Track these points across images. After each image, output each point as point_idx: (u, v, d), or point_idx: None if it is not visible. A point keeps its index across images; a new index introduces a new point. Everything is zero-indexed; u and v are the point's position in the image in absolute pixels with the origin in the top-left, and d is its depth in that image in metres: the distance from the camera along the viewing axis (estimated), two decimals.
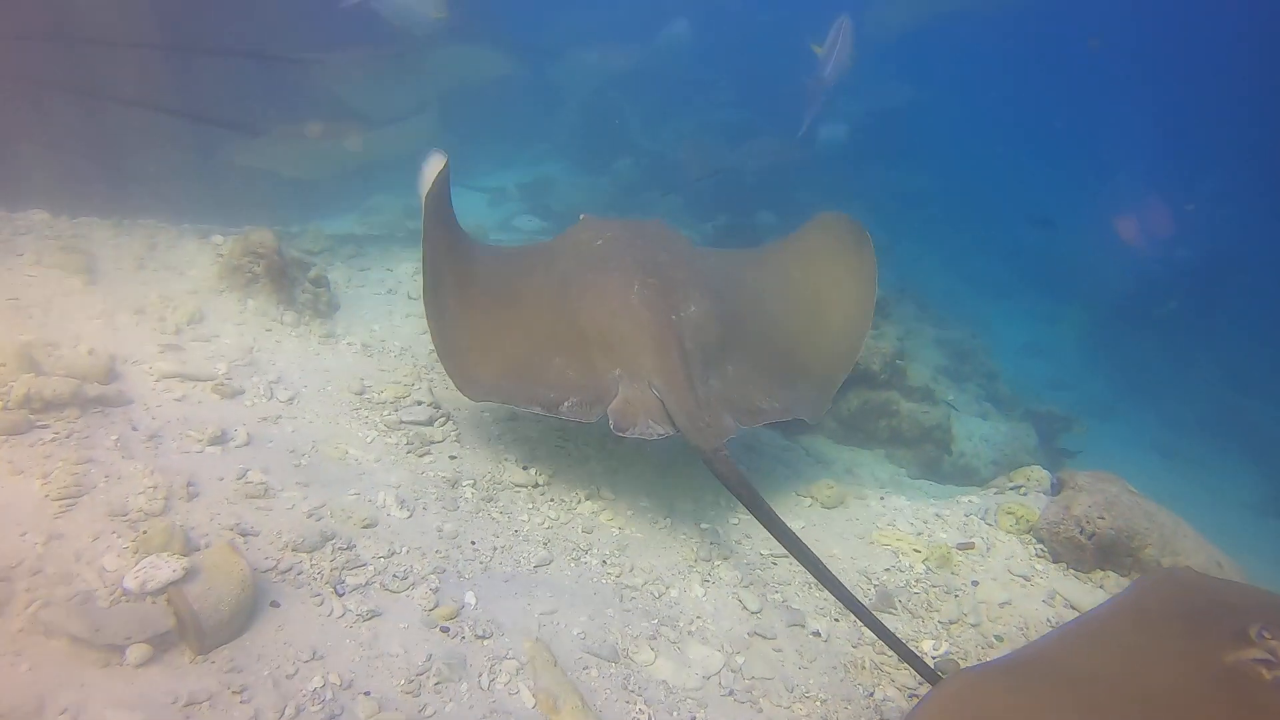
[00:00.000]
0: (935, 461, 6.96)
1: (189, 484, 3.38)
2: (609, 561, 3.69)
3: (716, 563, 3.83)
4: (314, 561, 3.20)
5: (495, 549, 3.60)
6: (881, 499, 4.78)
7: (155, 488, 3.27)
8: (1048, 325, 14.86)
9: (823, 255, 4.76)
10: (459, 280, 4.08)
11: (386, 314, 6.05)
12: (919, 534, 4.37)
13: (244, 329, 4.98)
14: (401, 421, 4.34)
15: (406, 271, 6.90)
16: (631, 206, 13.41)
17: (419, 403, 4.55)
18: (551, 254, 4.46)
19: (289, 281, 5.53)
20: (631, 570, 3.67)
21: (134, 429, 3.67)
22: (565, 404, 3.66)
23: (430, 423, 4.40)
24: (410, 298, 6.40)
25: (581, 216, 4.81)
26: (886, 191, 16.70)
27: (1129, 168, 19.17)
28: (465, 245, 4.33)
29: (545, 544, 3.71)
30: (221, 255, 5.52)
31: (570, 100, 15.26)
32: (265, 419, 4.06)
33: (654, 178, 13.91)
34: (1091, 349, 14.06)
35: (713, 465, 3.42)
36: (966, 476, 7.19)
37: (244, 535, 3.22)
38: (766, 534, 3.28)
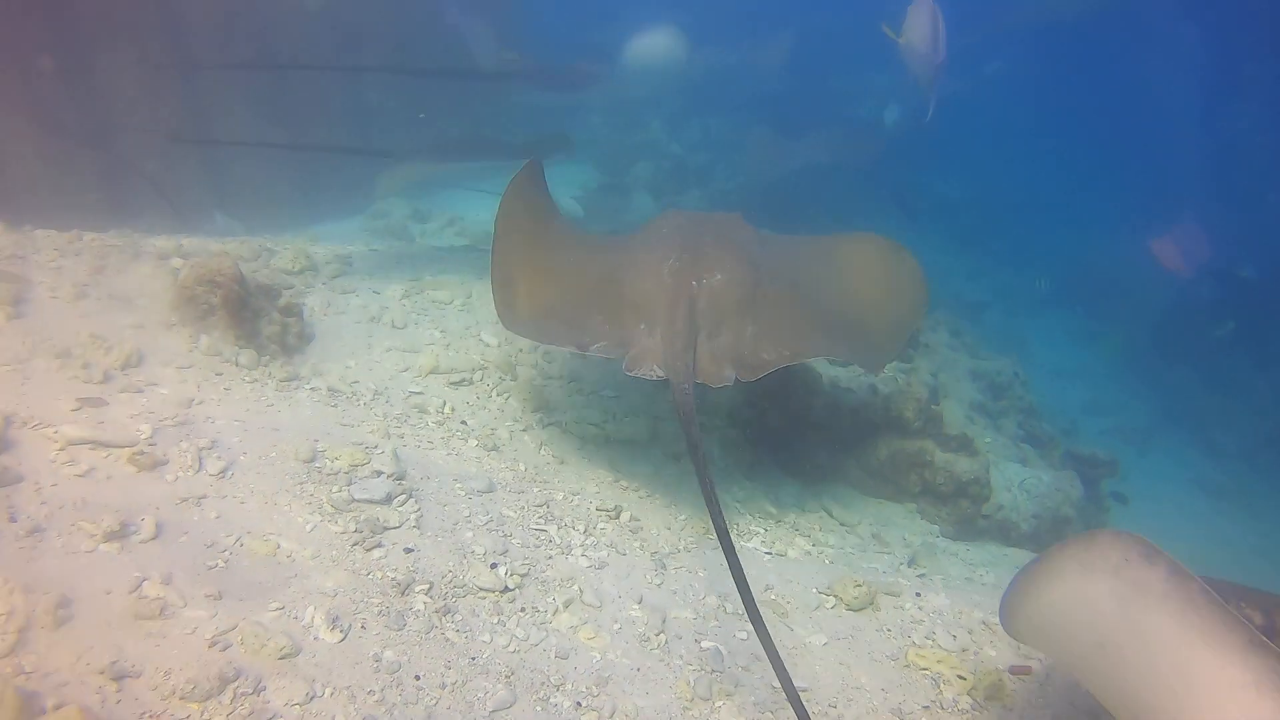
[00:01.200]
0: (970, 518, 6.15)
1: (61, 604, 2.66)
2: (584, 704, 2.93)
3: (718, 702, 3.06)
4: (205, 717, 2.48)
5: (444, 686, 2.86)
6: (918, 596, 3.99)
7: (9, 615, 2.55)
8: (1085, 344, 13.91)
9: (868, 258, 5.07)
10: (534, 241, 4.77)
11: (365, 347, 5.32)
12: (963, 650, 3.59)
13: (189, 374, 4.26)
14: (353, 500, 3.60)
15: (394, 294, 6.15)
16: (651, 212, 12.62)
17: (379, 473, 3.80)
18: (626, 238, 4.99)
19: (252, 313, 4.81)
20: (612, 716, 2.91)
21: (12, 519, 2.95)
22: (596, 345, 4.13)
23: (388, 500, 3.66)
24: (395, 326, 5.67)
25: (667, 210, 5.15)
26: (917, 195, 15.77)
27: (1186, 177, 17.97)
28: (552, 221, 5.03)
29: (508, 677, 2.96)
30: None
31: (589, 100, 14.45)
32: (185, 500, 3.33)
33: (676, 182, 13.11)
34: (1131, 370, 13.11)
35: (674, 395, 3.73)
36: (1004, 533, 6.36)
37: (118, 679, 2.50)
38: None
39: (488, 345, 5.76)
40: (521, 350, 5.83)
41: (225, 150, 9.97)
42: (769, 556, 4.32)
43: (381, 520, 3.53)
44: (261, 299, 4.98)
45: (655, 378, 3.92)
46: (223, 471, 3.55)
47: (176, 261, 5.19)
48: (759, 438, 5.84)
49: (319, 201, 10.85)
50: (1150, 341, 13.23)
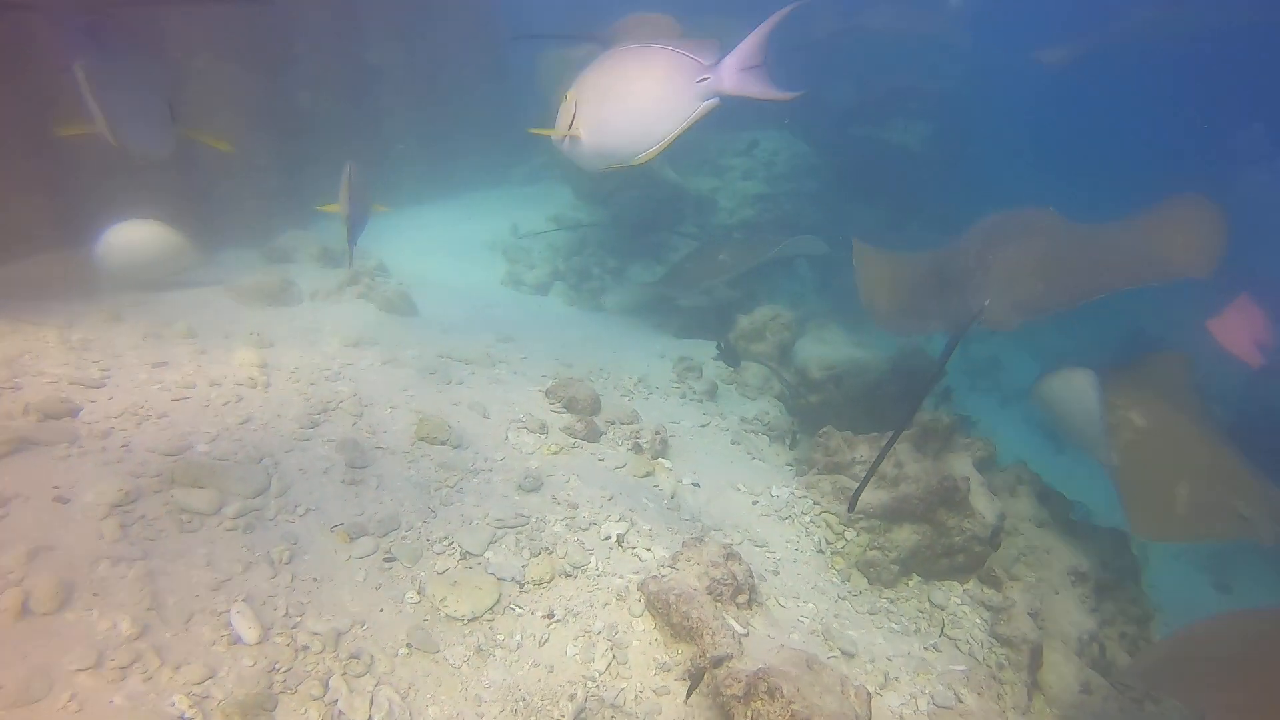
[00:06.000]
0: None
1: None
2: None
3: None
4: None
5: None
6: None
7: None
8: None
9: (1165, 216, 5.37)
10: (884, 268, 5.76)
11: None
12: None
13: None
14: None
15: (101, 499, 3.11)
16: (636, 251, 9.54)
17: None
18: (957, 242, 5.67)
19: None
20: None
21: None
22: (929, 325, 5.25)
23: None
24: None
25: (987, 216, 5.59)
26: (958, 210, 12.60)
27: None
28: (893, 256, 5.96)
29: None
30: None
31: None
32: None
33: (671, 213, 9.99)
34: None
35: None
36: None
37: None
38: None
39: (243, 643, 2.74)
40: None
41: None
42: None
43: None
44: None
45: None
46: None
47: None
48: None
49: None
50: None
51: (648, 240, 9.54)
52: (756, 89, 3.16)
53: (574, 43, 9.49)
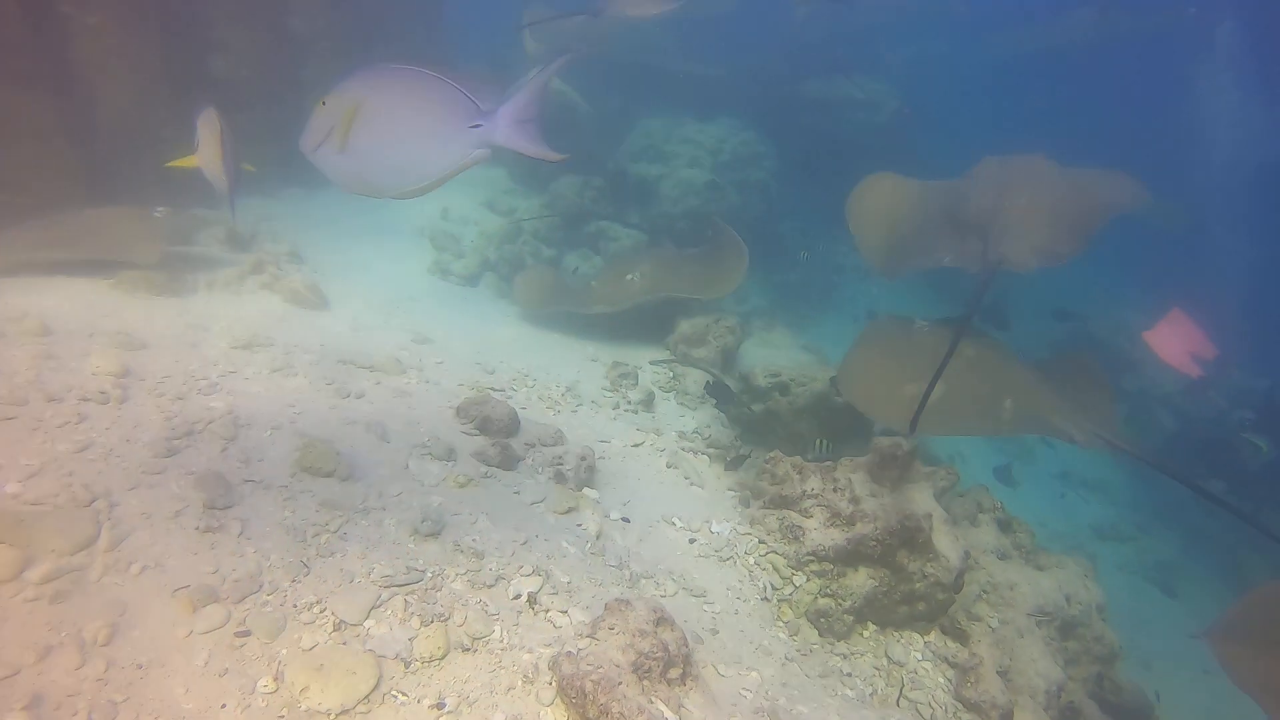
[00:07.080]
0: None
1: None
2: None
3: None
4: None
5: None
6: None
7: None
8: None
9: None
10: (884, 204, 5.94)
11: None
12: None
13: None
14: None
15: None
16: (574, 240, 8.87)
17: None
18: (955, 183, 5.79)
19: None
20: None
21: None
22: (947, 258, 5.26)
23: None
24: None
25: (986, 158, 5.78)
26: None
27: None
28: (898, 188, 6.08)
29: None
30: None
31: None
32: None
33: (610, 202, 9.32)
34: (1152, 482, 9.83)
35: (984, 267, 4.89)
36: None
37: None
38: None
39: None
40: None
41: None
42: None
43: None
44: None
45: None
46: None
47: None
48: None
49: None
50: (1170, 446, 9.92)
51: (585, 230, 8.88)
52: (529, 145, 2.69)
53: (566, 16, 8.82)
